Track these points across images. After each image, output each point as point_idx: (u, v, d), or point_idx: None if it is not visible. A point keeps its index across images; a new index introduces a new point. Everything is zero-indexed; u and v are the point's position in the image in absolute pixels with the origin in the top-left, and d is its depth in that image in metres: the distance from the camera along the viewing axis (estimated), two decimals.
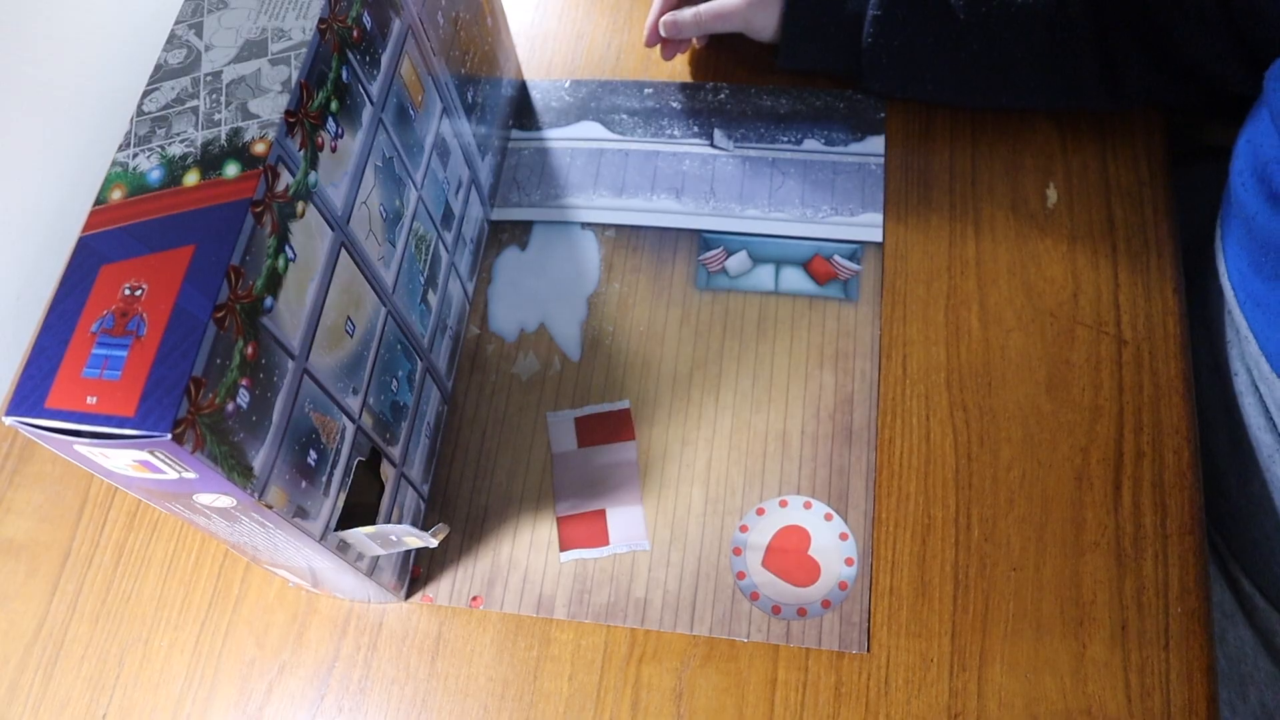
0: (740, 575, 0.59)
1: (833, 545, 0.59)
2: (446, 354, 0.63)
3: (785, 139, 0.71)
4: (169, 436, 0.36)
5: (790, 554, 0.59)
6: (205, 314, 0.38)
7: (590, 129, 0.73)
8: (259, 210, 0.41)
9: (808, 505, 0.60)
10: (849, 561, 0.59)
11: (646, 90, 0.75)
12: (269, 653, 0.59)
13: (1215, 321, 0.64)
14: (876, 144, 0.71)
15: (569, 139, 0.73)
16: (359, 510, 0.53)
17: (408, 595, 0.60)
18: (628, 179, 0.71)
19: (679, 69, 0.76)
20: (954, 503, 0.60)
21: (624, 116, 0.73)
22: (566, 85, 0.76)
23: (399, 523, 0.57)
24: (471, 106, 0.63)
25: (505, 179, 0.72)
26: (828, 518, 0.60)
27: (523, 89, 0.76)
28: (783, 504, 0.60)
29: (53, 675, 0.60)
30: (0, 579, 0.62)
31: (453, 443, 0.64)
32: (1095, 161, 0.71)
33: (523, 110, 0.75)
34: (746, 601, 0.58)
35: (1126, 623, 0.56)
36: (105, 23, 0.79)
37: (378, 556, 0.55)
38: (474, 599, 0.59)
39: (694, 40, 0.76)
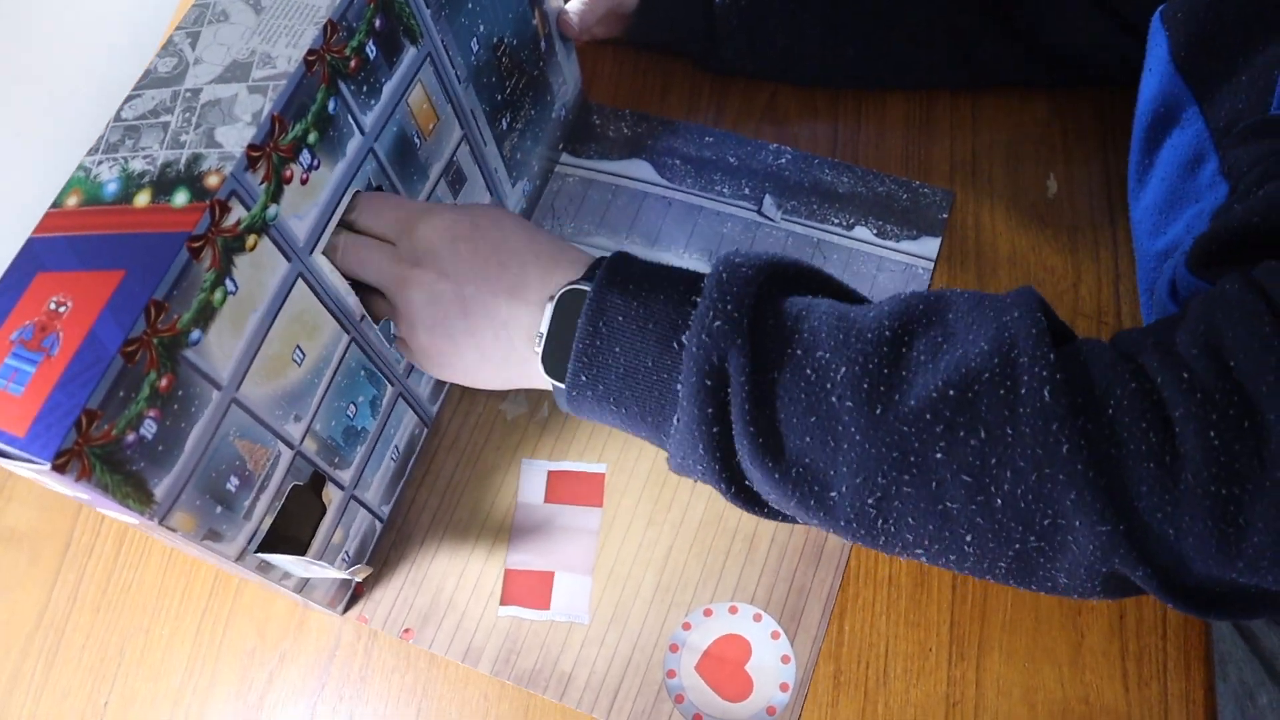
0: (671, 673, 0.56)
1: (772, 665, 0.56)
2: (432, 379, 0.62)
3: (836, 220, 0.67)
4: (49, 466, 0.36)
5: (727, 664, 0.56)
6: (115, 346, 0.37)
7: (640, 169, 0.70)
8: (197, 245, 0.40)
9: (757, 618, 0.57)
10: (784, 687, 0.55)
11: (707, 138, 0.71)
12: (269, 642, 0.60)
13: None
14: (930, 246, 0.66)
15: (615, 175, 0.70)
16: (294, 532, 0.53)
17: (345, 610, 0.60)
18: (664, 229, 0.68)
19: (744, 122, 0.73)
20: None
21: (677, 162, 0.70)
22: (629, 116, 0.73)
23: (343, 545, 0.56)
24: (507, 132, 0.61)
25: (543, 205, 0.69)
26: (774, 635, 0.57)
27: (583, 111, 0.73)
28: (732, 610, 0.57)
29: (54, 664, 0.60)
30: (1, 568, 0.63)
31: (426, 465, 0.63)
32: (1096, 151, 0.71)
33: (579, 134, 0.72)
34: (670, 702, 0.56)
35: (1124, 611, 0.56)
36: (105, 16, 0.79)
37: (307, 578, 0.54)
38: (406, 631, 0.59)
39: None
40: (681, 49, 0.74)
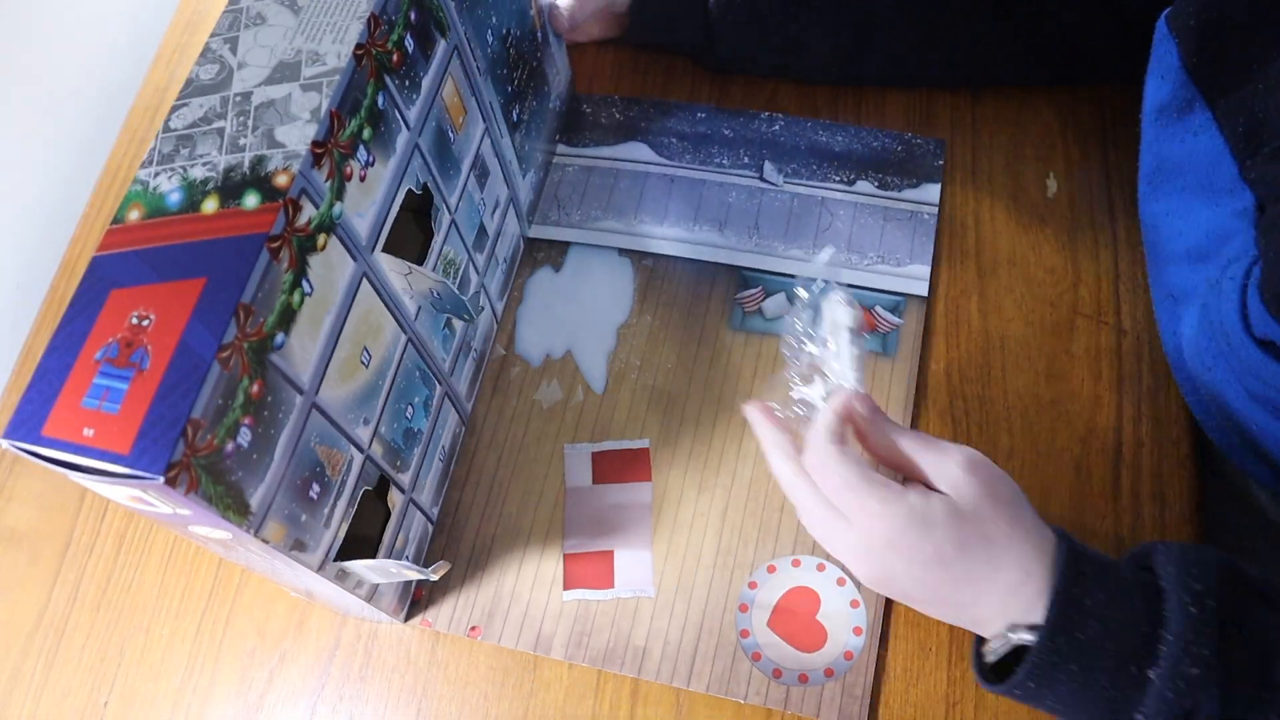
0: (744, 633, 0.57)
1: (843, 612, 0.57)
2: (469, 376, 0.62)
3: (837, 178, 0.69)
4: (162, 480, 0.35)
5: (798, 616, 0.57)
6: (210, 353, 0.37)
7: (638, 150, 0.71)
8: (276, 245, 0.39)
9: (821, 567, 0.58)
10: (857, 631, 0.57)
11: (699, 114, 0.72)
12: (270, 641, 0.59)
13: None
14: (932, 192, 0.68)
15: (615, 159, 0.71)
16: (362, 537, 0.53)
17: (407, 618, 0.59)
18: (671, 206, 0.68)
19: (735, 94, 0.74)
20: None
21: (673, 140, 0.71)
22: (619, 102, 0.74)
23: (405, 550, 0.56)
24: (516, 124, 0.62)
25: (546, 195, 0.70)
26: (840, 582, 0.58)
27: (574, 102, 0.74)
28: (795, 563, 0.59)
29: (54, 664, 0.60)
30: (2, 568, 0.62)
31: (467, 465, 0.62)
32: (1096, 151, 0.71)
33: (571, 124, 0.73)
34: (748, 661, 0.56)
35: None
36: (106, 16, 0.78)
37: (378, 584, 0.54)
38: (472, 629, 0.58)
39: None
40: (678, 48, 0.74)
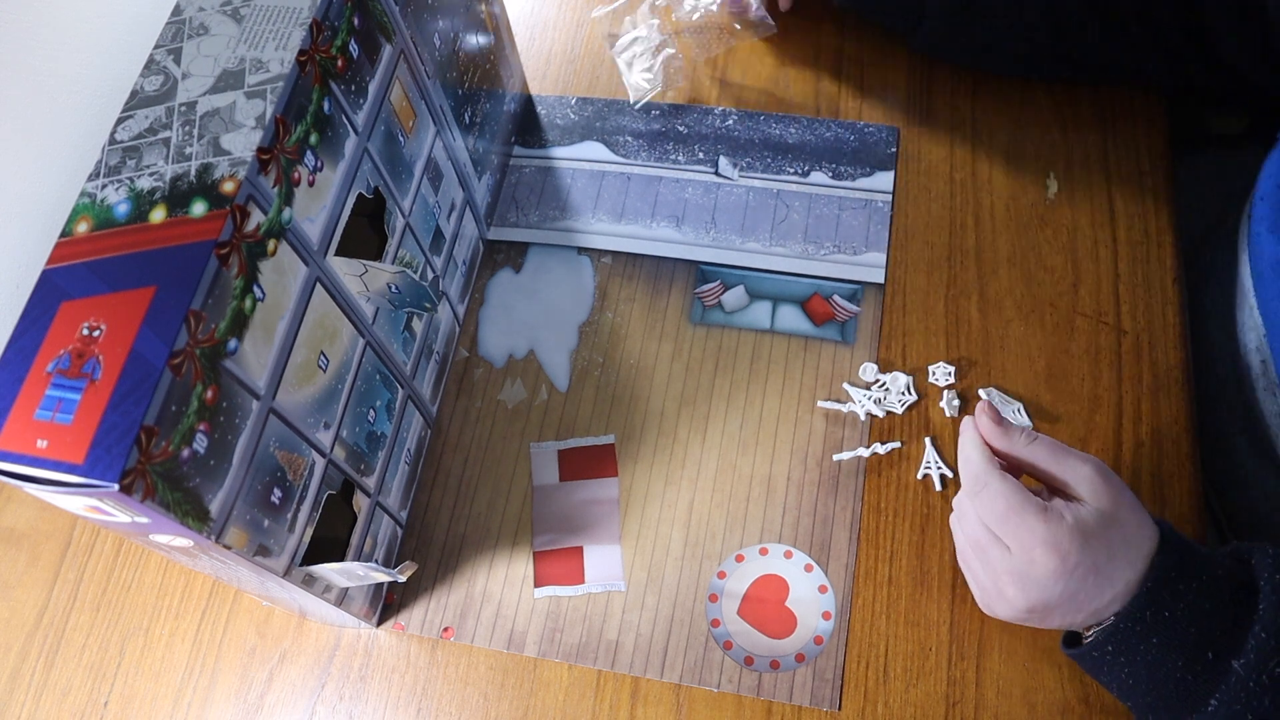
0: (715, 623, 0.58)
1: (811, 598, 0.58)
2: (432, 378, 0.62)
3: (792, 170, 0.70)
4: (116, 487, 0.35)
5: (767, 604, 0.58)
6: (161, 360, 0.37)
7: (593, 150, 0.72)
8: (224, 252, 0.40)
9: (788, 554, 0.59)
10: (826, 615, 0.57)
11: (653, 112, 0.73)
12: (270, 641, 0.59)
13: (1230, 314, 0.62)
14: (885, 180, 0.69)
15: (571, 159, 0.71)
16: (329, 542, 0.53)
17: (379, 622, 0.59)
18: (628, 204, 0.69)
19: (688, 91, 0.75)
20: (953, 492, 0.59)
21: (628, 139, 0.72)
22: (573, 103, 0.74)
23: (373, 553, 0.56)
24: (470, 126, 0.62)
25: (504, 197, 0.70)
26: (808, 569, 0.59)
27: (527, 104, 0.74)
28: (763, 551, 0.59)
29: (54, 663, 0.60)
30: (2, 568, 0.62)
31: (434, 467, 0.63)
32: (1096, 151, 0.71)
33: (526, 126, 0.73)
34: (720, 650, 0.57)
35: None
36: (105, 11, 0.78)
37: (347, 588, 0.54)
38: (445, 630, 0.59)
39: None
40: (886, 23, 0.73)
